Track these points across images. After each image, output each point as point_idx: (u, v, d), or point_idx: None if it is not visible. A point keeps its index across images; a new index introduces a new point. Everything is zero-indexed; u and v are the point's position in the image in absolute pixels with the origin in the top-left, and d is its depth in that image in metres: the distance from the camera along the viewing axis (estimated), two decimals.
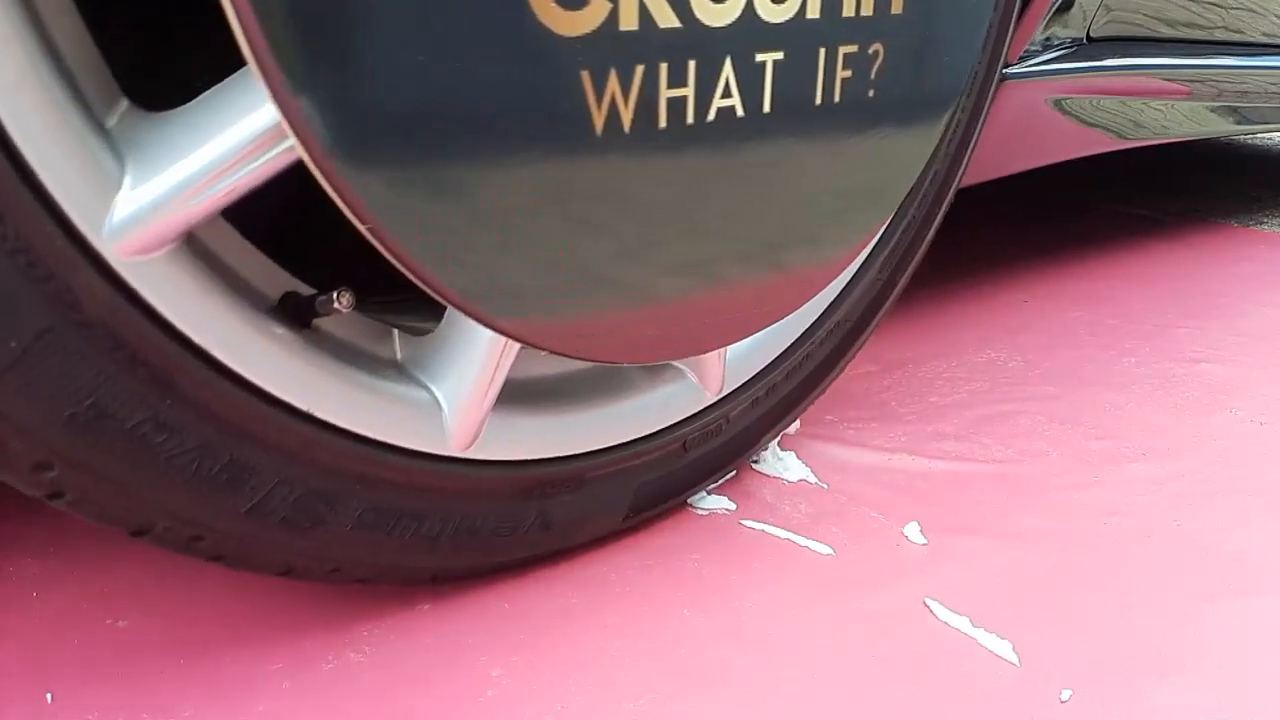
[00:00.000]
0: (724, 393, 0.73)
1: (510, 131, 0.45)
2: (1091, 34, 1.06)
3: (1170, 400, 1.04)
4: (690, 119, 0.51)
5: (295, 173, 0.44)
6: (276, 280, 0.53)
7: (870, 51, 0.56)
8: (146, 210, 0.45)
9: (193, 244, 0.48)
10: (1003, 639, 0.65)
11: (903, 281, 0.84)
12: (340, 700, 0.57)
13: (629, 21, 0.46)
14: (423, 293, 0.47)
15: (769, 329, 0.70)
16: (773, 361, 0.76)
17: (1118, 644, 0.65)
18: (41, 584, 0.66)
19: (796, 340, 0.77)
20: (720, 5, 0.49)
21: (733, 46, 0.51)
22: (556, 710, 0.58)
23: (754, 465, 0.86)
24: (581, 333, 0.54)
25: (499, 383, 0.59)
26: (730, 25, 0.50)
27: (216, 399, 0.50)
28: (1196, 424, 0.98)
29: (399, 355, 0.59)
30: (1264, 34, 1.36)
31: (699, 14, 0.49)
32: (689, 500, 0.80)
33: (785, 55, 0.53)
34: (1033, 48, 0.97)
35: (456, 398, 0.58)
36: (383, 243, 0.44)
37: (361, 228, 0.43)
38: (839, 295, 0.79)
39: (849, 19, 0.54)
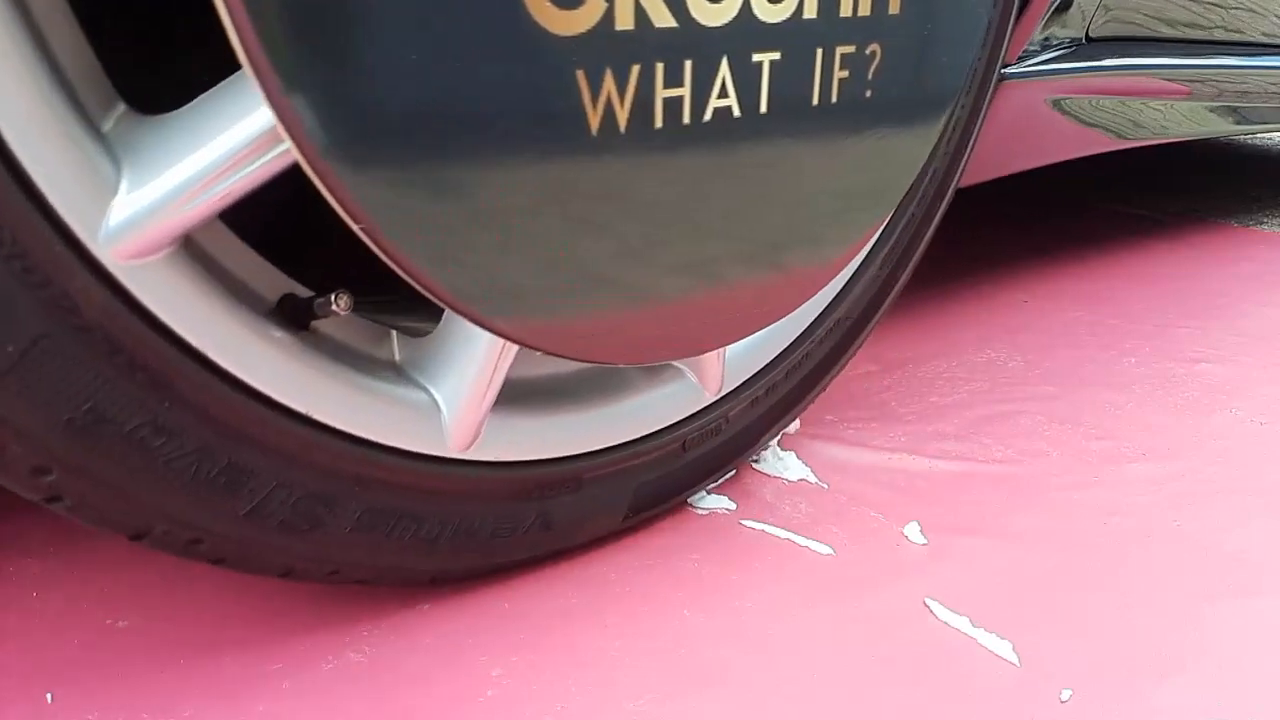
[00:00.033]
0: (723, 392, 0.73)
1: (505, 131, 0.44)
2: (1090, 34, 1.06)
3: (1170, 400, 1.03)
4: (686, 119, 0.50)
5: (292, 175, 0.44)
6: (274, 283, 0.53)
7: (868, 52, 0.56)
8: (143, 214, 0.44)
9: (190, 247, 0.48)
10: (1003, 639, 0.65)
11: (903, 279, 0.84)
12: (340, 700, 0.57)
13: (625, 21, 0.46)
14: (419, 294, 0.47)
15: (768, 328, 0.70)
16: (772, 360, 0.76)
17: (1118, 644, 0.65)
18: (41, 584, 0.66)
19: (796, 339, 0.77)
20: (717, 5, 0.49)
21: (729, 46, 0.50)
22: (556, 710, 0.57)
23: (754, 465, 0.85)
24: (577, 333, 0.53)
25: (498, 384, 0.59)
26: (727, 25, 0.50)
27: (215, 402, 0.49)
28: (1196, 424, 0.98)
29: (397, 357, 0.59)
30: (1264, 34, 1.36)
31: (695, 14, 0.48)
32: (689, 500, 0.79)
33: (782, 55, 0.52)
34: (1031, 48, 0.97)
35: (455, 399, 0.58)
36: (376, 243, 0.43)
37: (355, 227, 0.43)
38: (839, 293, 0.78)
39: (846, 19, 0.54)
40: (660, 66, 0.48)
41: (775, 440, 0.88)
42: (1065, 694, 0.60)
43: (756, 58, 0.52)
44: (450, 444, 0.59)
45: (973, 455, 0.90)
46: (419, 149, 0.43)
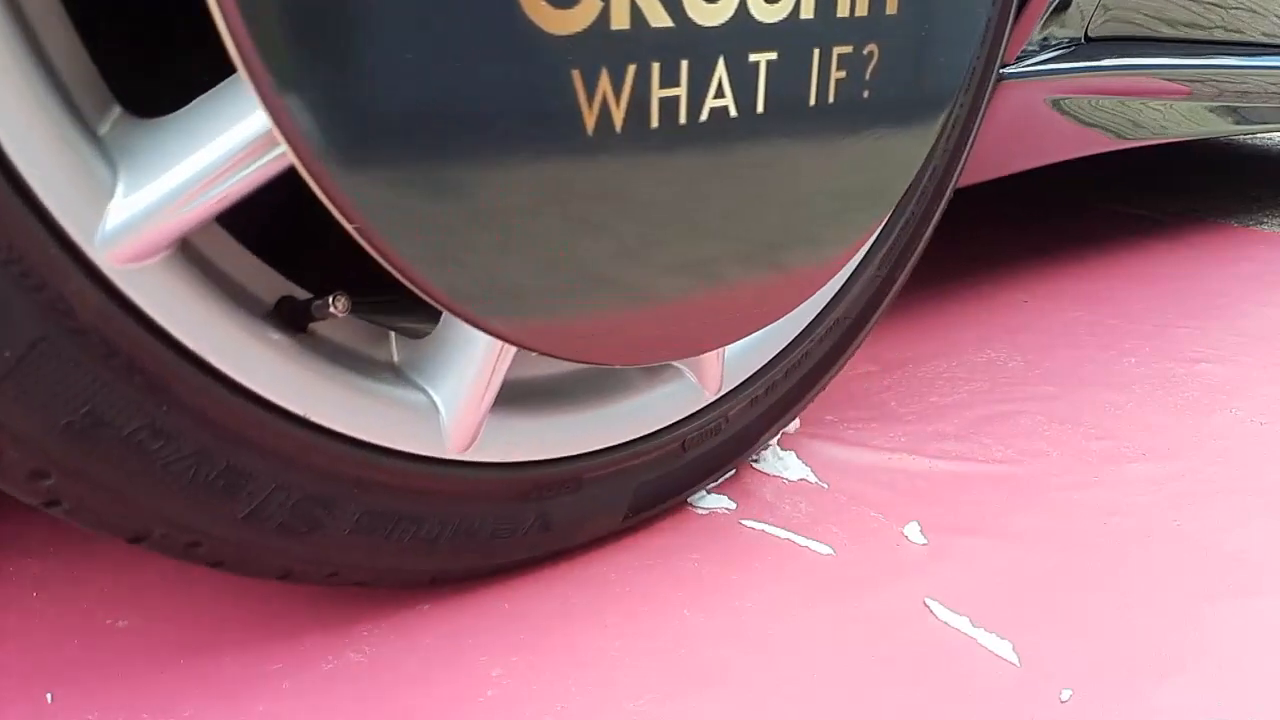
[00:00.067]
0: (723, 392, 0.73)
1: (500, 131, 0.44)
2: (1090, 34, 1.06)
3: (1170, 400, 1.03)
4: (683, 119, 0.50)
5: (289, 178, 0.44)
6: (272, 285, 0.53)
7: (865, 52, 0.55)
8: (139, 218, 0.44)
9: (187, 250, 0.48)
10: (1003, 639, 0.65)
11: (902, 278, 0.83)
12: (340, 700, 0.57)
13: (620, 20, 0.46)
14: (417, 295, 0.47)
15: (768, 328, 0.69)
16: (772, 360, 0.76)
17: (1118, 644, 0.65)
18: (41, 584, 0.66)
19: (795, 338, 0.76)
20: (713, 5, 0.48)
21: (726, 46, 0.50)
22: (556, 710, 0.57)
23: (754, 464, 0.85)
24: (574, 334, 0.53)
25: (496, 384, 0.58)
26: (723, 25, 0.49)
27: (213, 405, 0.49)
28: (1196, 424, 0.98)
29: (396, 358, 0.59)
30: (1264, 34, 1.35)
31: (691, 13, 0.48)
32: (689, 500, 0.79)
33: (779, 55, 0.52)
34: (1030, 48, 0.97)
35: (454, 400, 0.58)
36: (370, 243, 0.43)
37: (349, 228, 0.42)
38: (838, 292, 0.78)
39: (843, 19, 0.54)
40: (656, 66, 0.48)
41: (775, 440, 0.88)
42: (1065, 694, 0.60)
43: (753, 58, 0.51)
44: (449, 445, 0.59)
45: (973, 455, 0.90)
46: (413, 149, 0.42)
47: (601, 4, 0.45)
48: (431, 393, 0.58)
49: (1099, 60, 1.07)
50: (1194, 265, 1.54)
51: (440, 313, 0.57)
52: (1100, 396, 1.03)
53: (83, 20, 0.44)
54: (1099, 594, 0.70)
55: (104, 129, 0.45)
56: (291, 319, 0.53)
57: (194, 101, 0.46)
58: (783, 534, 0.76)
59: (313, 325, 0.54)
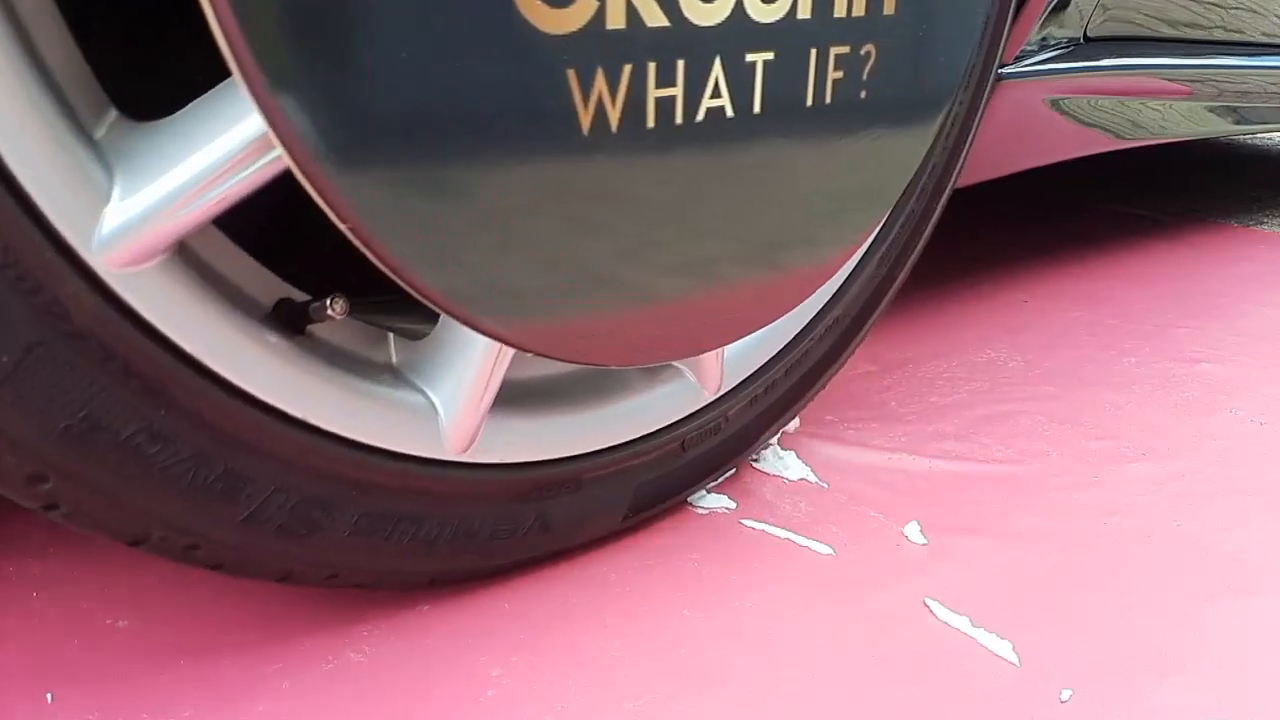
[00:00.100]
0: (722, 391, 0.72)
1: (495, 131, 0.44)
2: (1089, 34, 1.05)
3: (1170, 400, 1.03)
4: (679, 119, 0.49)
5: (287, 180, 0.43)
6: (270, 287, 0.52)
7: (862, 52, 0.55)
8: (136, 221, 0.44)
9: (184, 253, 0.47)
10: (1003, 639, 0.64)
11: (901, 276, 0.83)
12: (340, 700, 0.57)
13: (616, 20, 0.45)
14: (410, 295, 0.47)
15: (767, 327, 0.69)
16: (771, 359, 0.75)
17: (1118, 644, 0.64)
18: (41, 584, 0.66)
19: (795, 337, 0.76)
20: (709, 4, 0.48)
21: (722, 46, 0.49)
22: (556, 710, 0.57)
23: (754, 464, 0.85)
24: (570, 335, 0.52)
25: (495, 385, 0.58)
26: (719, 25, 0.49)
27: (210, 408, 0.49)
28: (1196, 424, 0.97)
29: (394, 360, 0.58)
30: (1264, 34, 1.35)
31: (688, 13, 0.47)
32: (689, 499, 0.79)
33: (775, 56, 0.52)
34: (1029, 47, 0.96)
35: (453, 401, 0.57)
36: (364, 243, 0.43)
37: (343, 227, 0.42)
38: (837, 291, 0.77)
39: (840, 19, 0.53)
40: (652, 66, 0.47)
41: (775, 439, 0.88)
42: (1065, 694, 0.60)
43: (750, 58, 0.51)
44: (448, 446, 0.58)
45: (973, 455, 0.89)
46: (407, 148, 0.42)
47: (597, 3, 0.44)
48: (430, 394, 0.58)
49: (1098, 60, 1.07)
50: (1194, 265, 1.54)
51: (438, 314, 0.57)
52: (1100, 396, 1.03)
53: (78, 23, 0.43)
54: (1099, 594, 0.70)
55: (100, 132, 0.44)
56: (289, 321, 0.52)
57: (190, 104, 0.45)
58: (783, 534, 0.76)
59: (311, 327, 0.54)
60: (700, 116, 0.50)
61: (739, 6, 0.49)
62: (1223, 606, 0.68)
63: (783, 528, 0.76)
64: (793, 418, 0.83)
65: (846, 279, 0.78)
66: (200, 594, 0.65)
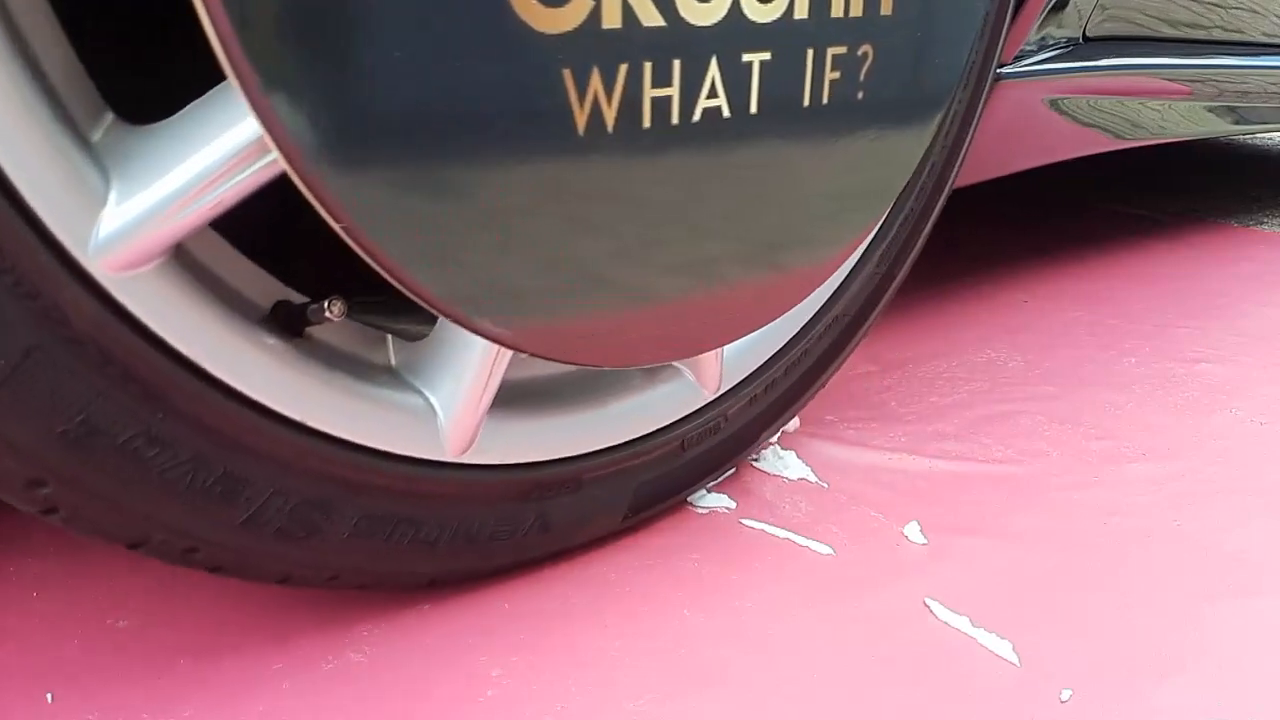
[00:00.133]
0: (722, 390, 0.72)
1: (490, 130, 0.43)
2: (1087, 33, 1.05)
3: (1170, 400, 1.03)
4: (675, 119, 0.49)
5: (284, 182, 0.43)
6: (268, 290, 0.52)
7: (859, 53, 0.54)
8: (132, 225, 0.43)
9: (181, 256, 0.47)
10: (1003, 639, 0.64)
11: (901, 275, 0.83)
12: (340, 700, 0.57)
13: (612, 19, 0.45)
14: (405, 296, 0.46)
15: (766, 326, 0.69)
16: (771, 358, 0.75)
17: (1118, 644, 0.64)
18: (41, 584, 0.66)
19: (794, 336, 0.75)
20: (706, 4, 0.48)
21: (719, 46, 0.49)
22: (556, 710, 0.57)
23: (754, 464, 0.85)
24: (567, 336, 0.52)
25: (494, 386, 0.58)
26: (716, 25, 0.48)
27: (209, 412, 0.48)
28: (1196, 424, 0.97)
29: (393, 361, 0.58)
30: (1264, 34, 1.35)
31: (684, 13, 0.47)
32: (689, 499, 0.79)
33: (772, 56, 0.51)
34: (1028, 47, 0.96)
35: (452, 402, 0.57)
36: (357, 243, 0.42)
37: (336, 227, 0.42)
38: (836, 290, 0.77)
39: (837, 20, 0.53)
40: (648, 66, 0.47)
41: (775, 439, 0.88)
42: (1065, 694, 0.60)
43: (746, 58, 0.50)
44: (447, 448, 0.58)
45: (973, 455, 0.89)
46: (400, 148, 0.41)
47: (593, 3, 0.44)
48: (429, 395, 0.57)
49: (1097, 60, 1.06)
50: (1194, 265, 1.53)
51: (436, 315, 0.57)
52: (1100, 396, 1.03)
53: (73, 25, 0.43)
54: (1099, 594, 0.69)
55: (96, 135, 0.44)
56: (287, 324, 0.52)
57: (187, 107, 0.45)
58: (783, 534, 0.75)
59: (309, 329, 0.53)
60: (697, 117, 0.50)
61: (735, 6, 0.49)
62: (1223, 606, 0.68)
63: (783, 528, 0.76)
64: (793, 417, 0.83)
65: (846, 277, 0.78)
66: (200, 594, 0.65)
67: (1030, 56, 0.97)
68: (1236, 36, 1.29)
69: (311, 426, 0.52)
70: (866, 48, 0.55)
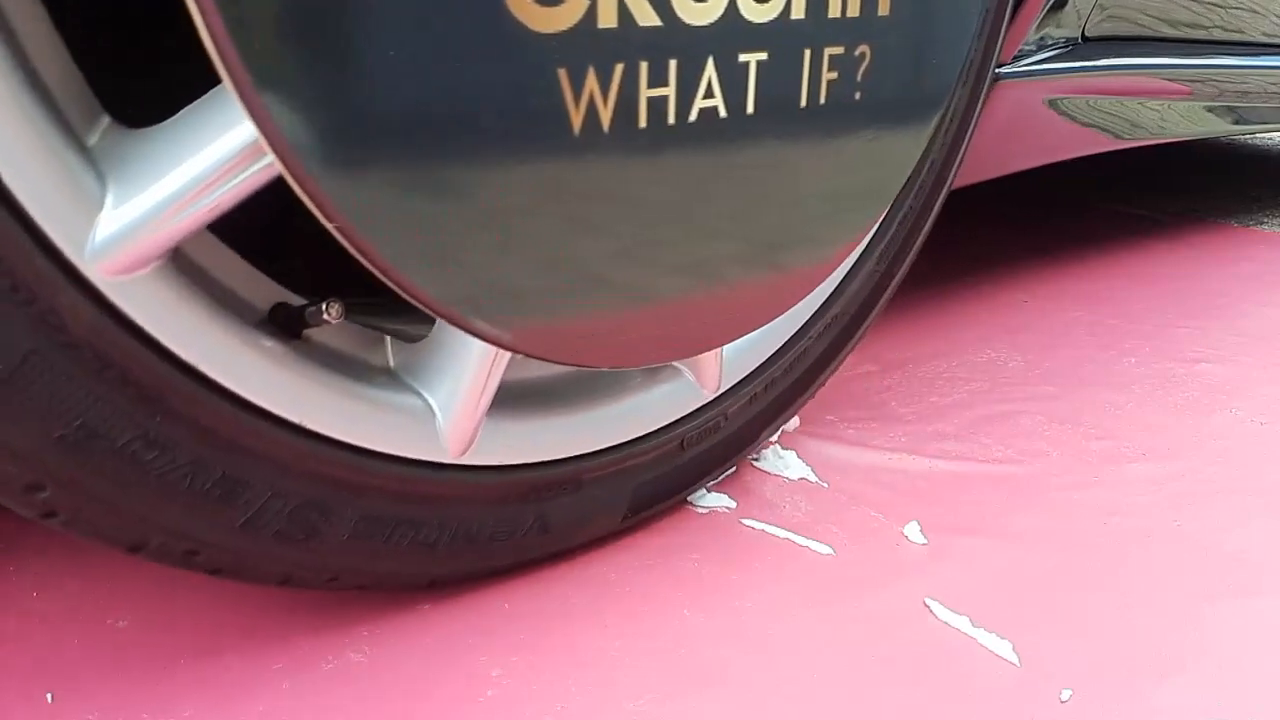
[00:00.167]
0: (721, 390, 0.72)
1: (485, 130, 0.43)
2: (1086, 33, 1.04)
3: (1170, 400, 1.02)
4: (672, 119, 0.49)
5: (281, 184, 0.42)
6: (266, 292, 0.52)
7: (856, 53, 0.54)
8: (129, 229, 0.43)
9: (179, 259, 0.47)
10: (1003, 639, 0.64)
11: (901, 273, 0.82)
12: (340, 700, 0.56)
13: (608, 19, 0.44)
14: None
15: (766, 325, 0.69)
16: (770, 357, 0.74)
17: (1118, 644, 0.64)
18: (41, 584, 0.66)
19: (794, 335, 0.75)
20: (702, 4, 0.47)
21: (715, 46, 0.49)
22: (556, 710, 0.57)
23: (754, 463, 0.85)
24: (562, 337, 0.52)
25: (493, 387, 0.57)
26: (712, 24, 0.48)
27: (207, 415, 0.48)
28: (1196, 424, 0.97)
29: (391, 362, 0.58)
30: (1264, 34, 1.35)
31: (680, 12, 0.47)
32: (689, 499, 0.78)
33: (769, 56, 0.51)
34: (1027, 47, 0.96)
35: (450, 404, 0.57)
36: (351, 242, 0.42)
37: (329, 226, 0.41)
38: (836, 289, 0.77)
39: (835, 20, 0.52)
40: (644, 65, 0.46)
41: (775, 438, 0.88)
42: (1065, 694, 0.60)
43: (743, 58, 0.50)
44: (446, 449, 0.58)
45: (973, 455, 0.89)
46: (393, 147, 0.41)
47: (588, 2, 0.44)
48: (428, 397, 0.57)
49: (1096, 60, 1.06)
50: (1194, 265, 1.53)
51: (434, 317, 0.57)
52: (1100, 396, 1.03)
53: (70, 29, 0.42)
54: (1099, 594, 0.69)
55: (93, 139, 0.44)
56: (286, 326, 0.52)
57: (183, 110, 0.45)
58: (783, 534, 0.75)
59: (307, 331, 0.53)
60: (693, 117, 0.49)
61: (732, 6, 0.48)
62: (1223, 606, 0.68)
63: (783, 527, 0.76)
64: (793, 416, 0.83)
65: (845, 276, 0.77)
66: (200, 595, 0.65)
67: (1029, 56, 0.97)
68: (1236, 36, 1.29)
69: (310, 429, 0.52)
70: (864, 48, 0.55)
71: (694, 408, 0.71)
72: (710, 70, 0.49)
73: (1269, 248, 1.65)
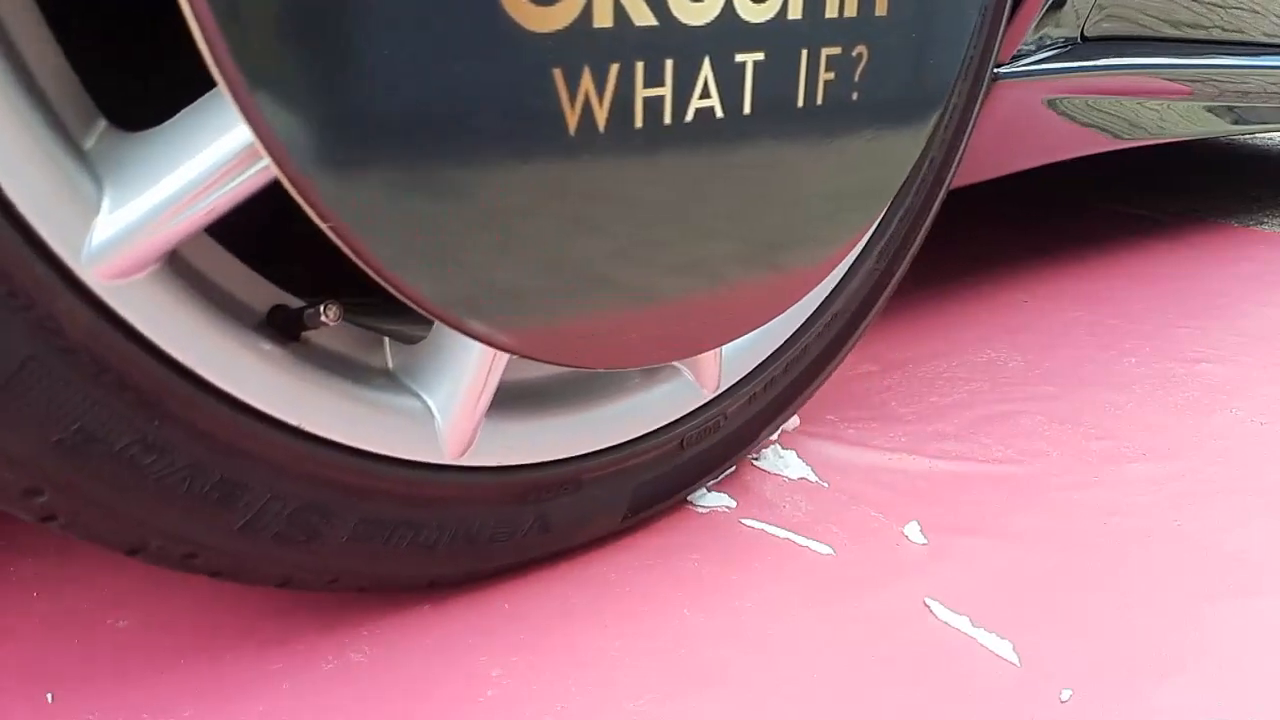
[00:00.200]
0: (721, 389, 0.71)
1: (479, 131, 0.42)
2: (1085, 33, 1.04)
3: (1170, 400, 1.02)
4: (668, 119, 0.48)
5: (278, 187, 0.42)
6: (264, 294, 0.51)
7: (854, 54, 0.53)
8: (126, 233, 0.43)
9: (176, 262, 0.46)
10: (1003, 639, 0.64)
11: (900, 271, 0.81)
12: (340, 700, 0.56)
13: (603, 18, 0.44)
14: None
15: (765, 324, 0.68)
16: (770, 356, 0.74)
17: (1118, 644, 0.63)
18: (41, 584, 0.65)
19: (793, 334, 0.75)
20: (698, 4, 0.47)
21: (711, 46, 0.48)
22: (556, 710, 0.57)
23: (754, 463, 0.85)
24: (559, 338, 0.51)
25: (492, 388, 0.57)
26: (709, 24, 0.48)
27: (205, 418, 0.48)
28: (1196, 424, 0.96)
29: (390, 364, 0.57)
30: (1264, 34, 1.34)
31: (676, 12, 0.46)
32: (689, 498, 0.78)
33: (766, 56, 0.50)
34: (1026, 47, 0.95)
35: (449, 405, 0.56)
36: (345, 242, 0.42)
37: (323, 226, 0.41)
38: (835, 287, 0.76)
39: (832, 20, 0.52)
40: (640, 65, 0.46)
41: (775, 437, 0.87)
42: (1065, 694, 0.59)
43: (739, 58, 0.49)
44: (445, 450, 0.57)
45: (973, 455, 0.89)
46: (387, 147, 0.41)
47: (584, 1, 0.43)
48: (426, 398, 0.57)
49: (1095, 60, 1.05)
50: (1194, 265, 1.53)
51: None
52: (1100, 396, 1.02)
53: (65, 32, 0.42)
54: (1099, 594, 0.69)
55: (89, 143, 0.43)
56: (284, 328, 0.51)
57: (180, 113, 0.44)
58: (783, 534, 0.75)
59: (305, 333, 0.53)
60: (689, 117, 0.49)
61: (729, 6, 0.48)
62: (1223, 606, 0.68)
63: (783, 527, 0.76)
64: (792, 415, 0.83)
65: (845, 274, 0.77)
66: (200, 595, 0.65)
67: (1028, 56, 0.96)
68: (1236, 36, 1.29)
69: (308, 431, 0.52)
70: (861, 48, 0.54)
71: (693, 407, 0.71)
72: (706, 70, 0.49)
73: (1269, 248, 1.64)
